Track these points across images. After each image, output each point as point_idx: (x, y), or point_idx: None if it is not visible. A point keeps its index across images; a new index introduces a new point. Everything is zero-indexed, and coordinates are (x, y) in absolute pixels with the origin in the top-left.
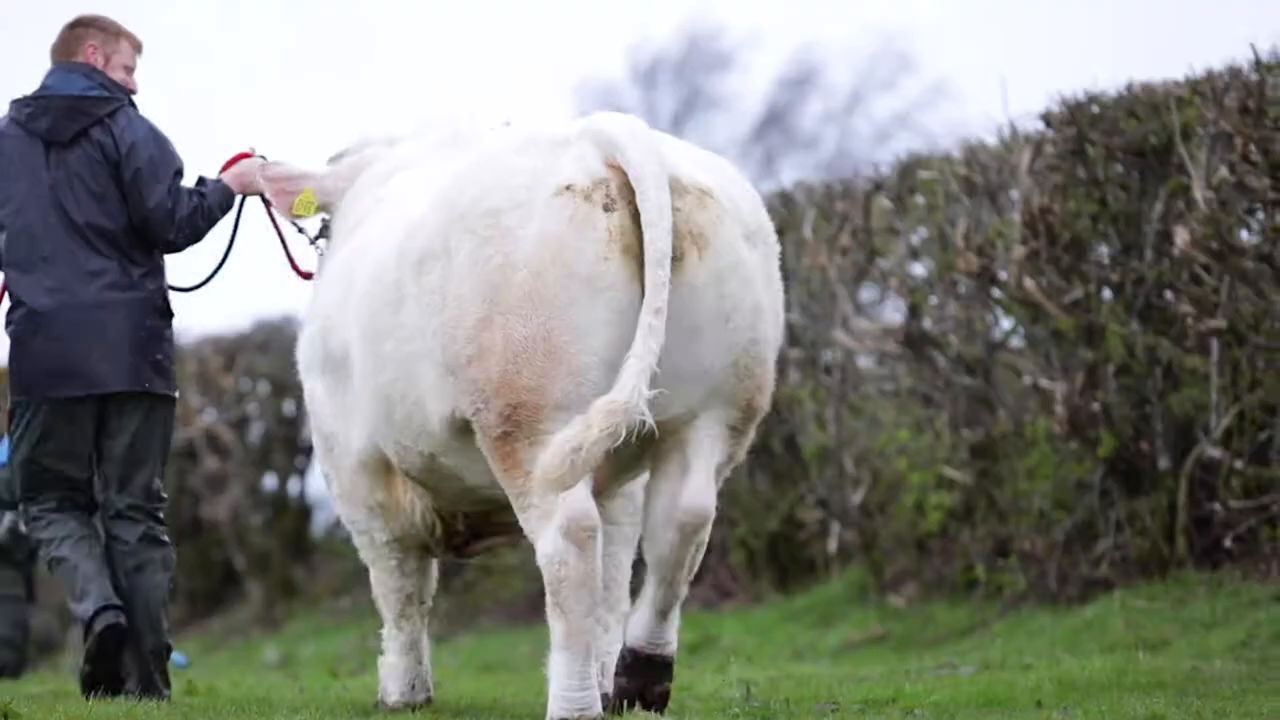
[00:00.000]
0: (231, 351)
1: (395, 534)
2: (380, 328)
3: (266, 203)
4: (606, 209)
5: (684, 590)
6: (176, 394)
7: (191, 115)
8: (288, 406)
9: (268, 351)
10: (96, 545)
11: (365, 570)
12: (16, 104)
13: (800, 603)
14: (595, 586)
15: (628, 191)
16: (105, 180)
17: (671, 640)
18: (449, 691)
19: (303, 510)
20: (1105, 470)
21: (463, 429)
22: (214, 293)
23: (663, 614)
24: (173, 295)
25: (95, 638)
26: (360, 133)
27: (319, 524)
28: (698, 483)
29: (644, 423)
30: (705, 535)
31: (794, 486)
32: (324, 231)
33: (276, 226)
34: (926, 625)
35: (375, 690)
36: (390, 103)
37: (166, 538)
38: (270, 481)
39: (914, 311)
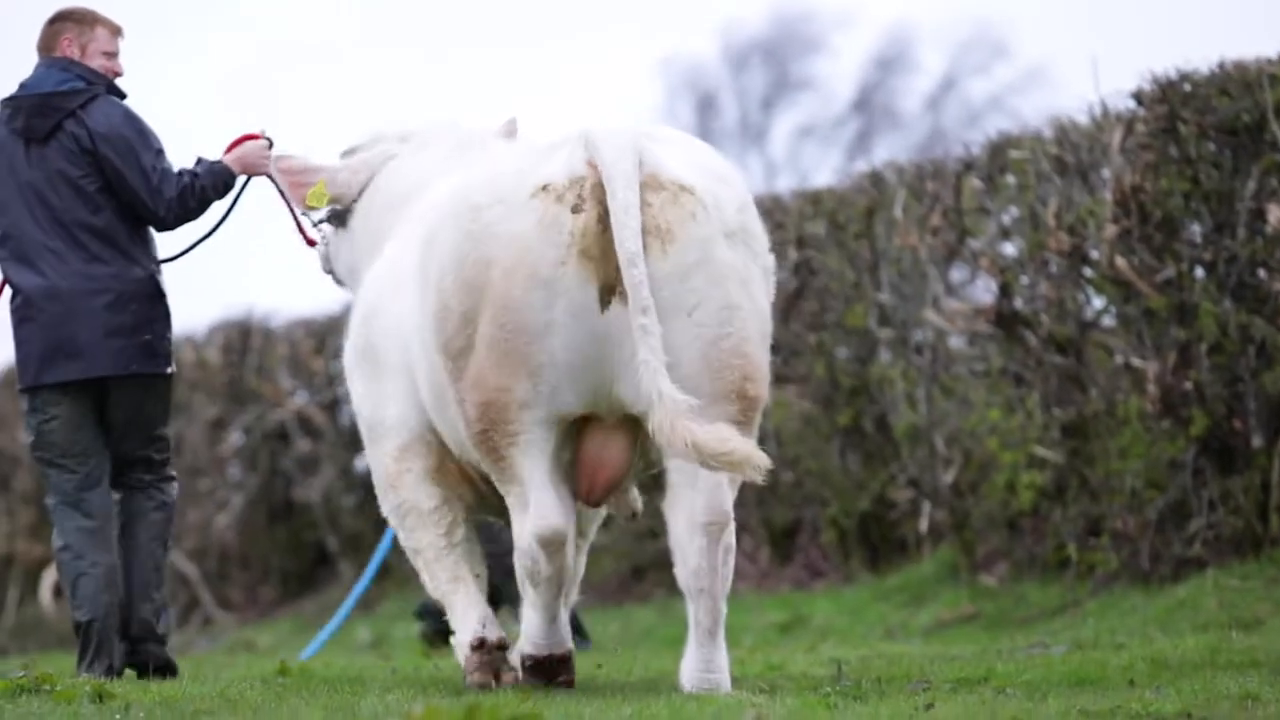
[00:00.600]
0: (322, 334)
1: (442, 499)
2: (409, 320)
3: (274, 180)
4: (575, 210)
5: (724, 605)
6: (171, 370)
7: (264, 88)
8: None
9: None
10: (98, 546)
11: None
12: (4, 103)
13: (892, 582)
14: (563, 580)
15: (601, 191)
16: (85, 170)
17: (723, 669)
18: None
19: None
20: (1198, 449)
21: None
22: (304, 275)
23: (710, 634)
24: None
25: (89, 643)
26: (372, 129)
27: None
28: (711, 482)
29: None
30: (731, 539)
31: (885, 466)
32: (331, 217)
33: (286, 200)
34: (1018, 604)
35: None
36: (480, 79)
37: (168, 500)
38: (362, 463)
39: (1005, 291)
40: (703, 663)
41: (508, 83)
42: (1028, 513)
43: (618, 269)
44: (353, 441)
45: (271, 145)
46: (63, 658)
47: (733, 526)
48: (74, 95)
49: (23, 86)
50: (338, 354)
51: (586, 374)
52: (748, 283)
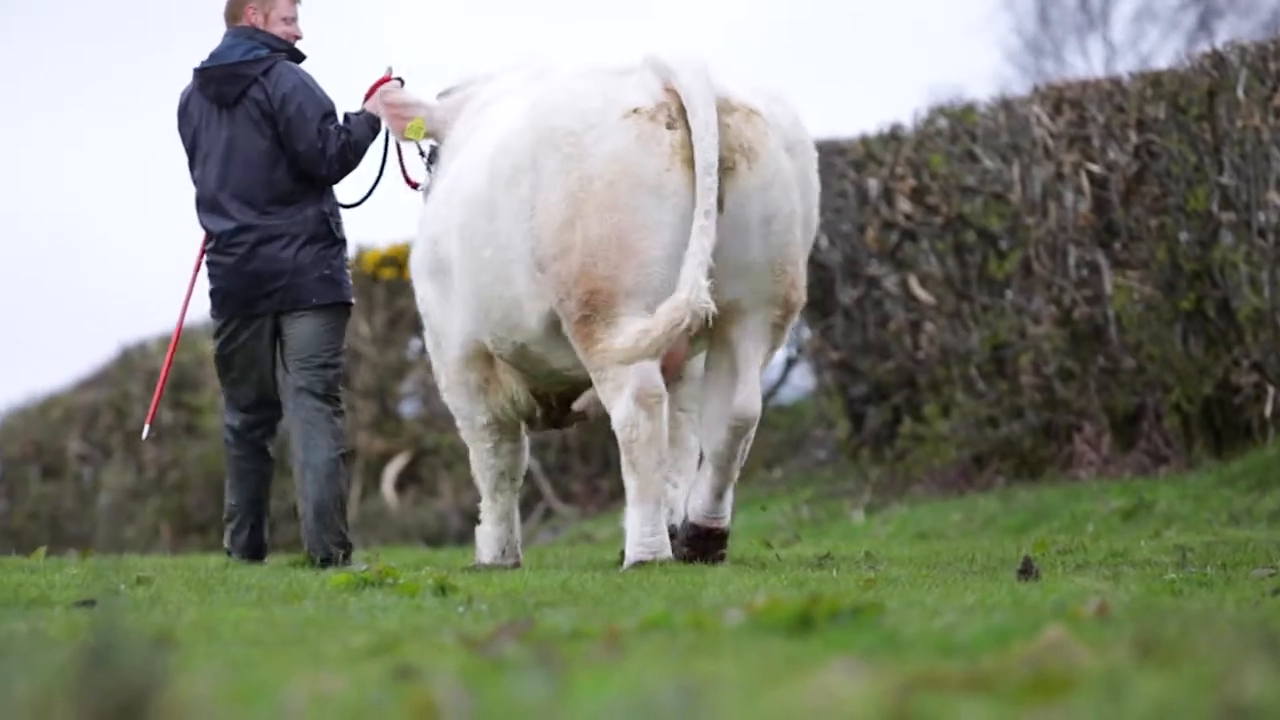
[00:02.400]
0: None
1: (493, 416)
2: (478, 236)
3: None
4: (669, 127)
5: (735, 475)
6: (350, 300)
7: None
8: None
9: None
10: (260, 465)
11: (798, 441)
12: (195, 72)
13: (1236, 467)
14: (662, 445)
15: (684, 112)
16: (267, 130)
17: (726, 515)
18: (885, 560)
19: None
20: None
21: (552, 322)
22: None
23: (718, 494)
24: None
25: (240, 552)
26: (464, 71)
27: None
28: (746, 389)
29: (708, 311)
30: (752, 433)
31: (1228, 351)
32: (433, 157)
33: (392, 140)
34: None
35: (807, 559)
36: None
37: (338, 417)
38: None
39: None
40: (709, 509)
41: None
42: None
43: (720, 173)
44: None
45: (403, 84)
46: (405, 551)
47: (756, 423)
48: (257, 63)
49: (212, 56)
50: None
51: (678, 267)
52: (806, 193)
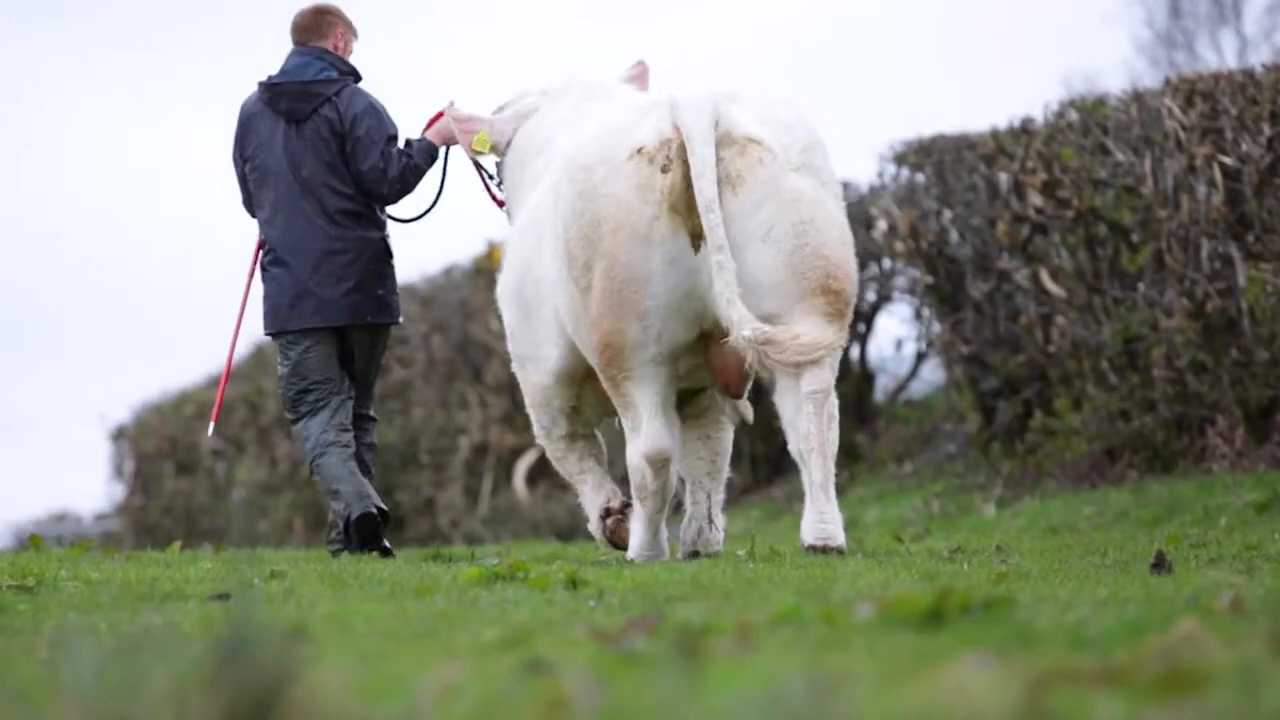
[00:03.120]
0: None
1: (569, 430)
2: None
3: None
4: (664, 170)
5: (832, 465)
6: (400, 319)
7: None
8: None
9: None
10: (345, 450)
11: (928, 436)
12: (262, 86)
13: None
14: (667, 496)
15: (684, 150)
16: (334, 148)
17: (836, 521)
18: (1016, 554)
19: (865, 376)
20: None
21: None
22: None
23: (823, 489)
24: (394, 229)
25: (354, 528)
26: (519, 87)
27: (881, 389)
28: (814, 366)
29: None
30: (834, 409)
31: None
32: (499, 171)
33: (478, 166)
34: None
35: (938, 552)
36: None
37: (374, 442)
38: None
39: None
40: (818, 515)
41: None
42: None
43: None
44: None
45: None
46: (536, 544)
47: (835, 398)
48: (329, 84)
49: (284, 73)
50: None
51: (688, 309)
52: (820, 202)
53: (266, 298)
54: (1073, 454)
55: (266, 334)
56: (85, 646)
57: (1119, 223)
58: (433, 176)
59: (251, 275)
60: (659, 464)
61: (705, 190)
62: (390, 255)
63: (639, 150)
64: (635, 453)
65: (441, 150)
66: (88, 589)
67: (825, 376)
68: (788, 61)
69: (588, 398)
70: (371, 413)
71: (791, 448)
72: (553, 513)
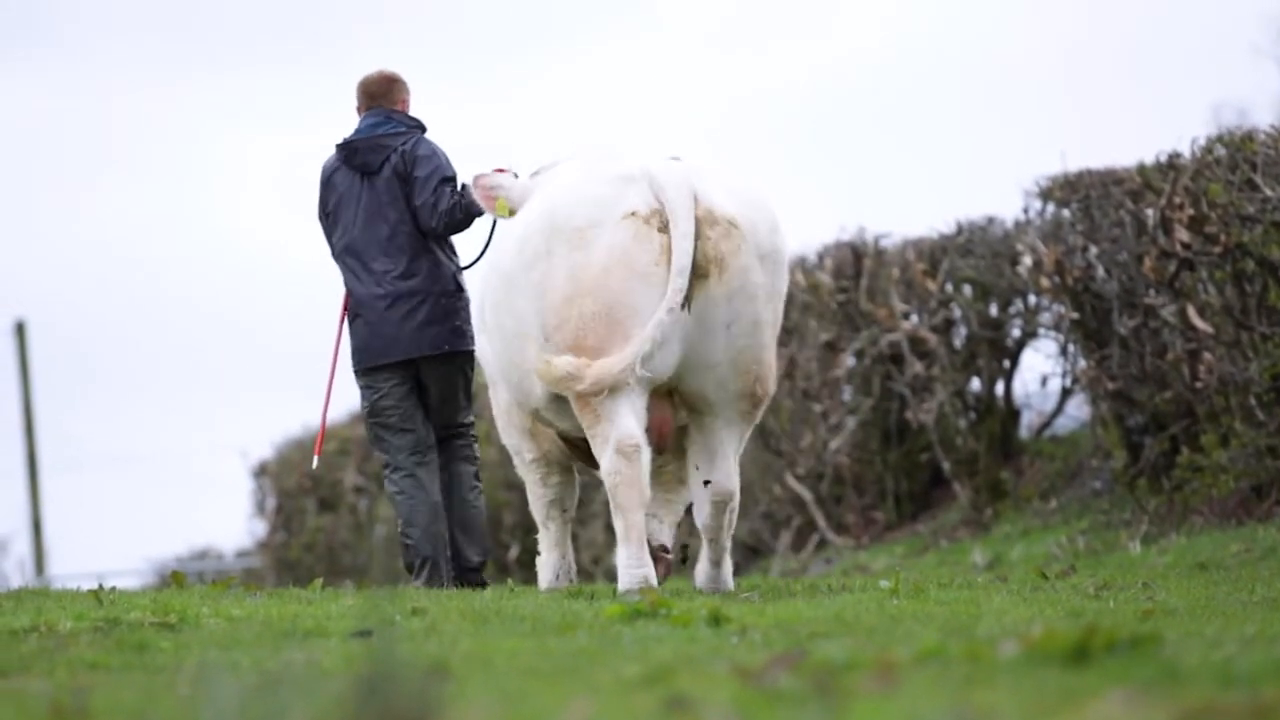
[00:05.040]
0: (934, 255)
1: (541, 452)
2: (502, 308)
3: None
4: (661, 230)
5: (727, 544)
6: (474, 347)
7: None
8: (992, 309)
9: (970, 254)
10: (425, 493)
11: (1074, 472)
12: (341, 147)
13: None
14: (642, 488)
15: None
16: (401, 193)
17: (727, 580)
18: (1163, 590)
19: (1009, 412)
20: None
21: (556, 394)
22: (916, 196)
23: (715, 564)
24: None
25: (425, 578)
26: (555, 151)
27: (1026, 425)
28: (723, 469)
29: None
30: (735, 505)
31: None
32: None
33: (488, 217)
34: None
35: (1083, 589)
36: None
37: (473, 457)
38: (976, 384)
39: None
40: (710, 580)
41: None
42: None
43: (693, 278)
44: (967, 362)
45: (516, 177)
46: (679, 581)
47: (737, 499)
48: (398, 136)
49: (357, 132)
50: (949, 275)
51: (667, 351)
52: (771, 298)
53: (354, 337)
54: (1220, 490)
55: (355, 371)
56: (226, 683)
57: (1267, 258)
58: (485, 221)
59: (342, 321)
60: (629, 449)
61: (682, 256)
62: (462, 290)
63: (632, 213)
64: (606, 454)
65: None
66: (229, 626)
67: (732, 486)
68: (929, 96)
69: (541, 441)
70: (466, 420)
71: (696, 520)
72: (694, 550)
